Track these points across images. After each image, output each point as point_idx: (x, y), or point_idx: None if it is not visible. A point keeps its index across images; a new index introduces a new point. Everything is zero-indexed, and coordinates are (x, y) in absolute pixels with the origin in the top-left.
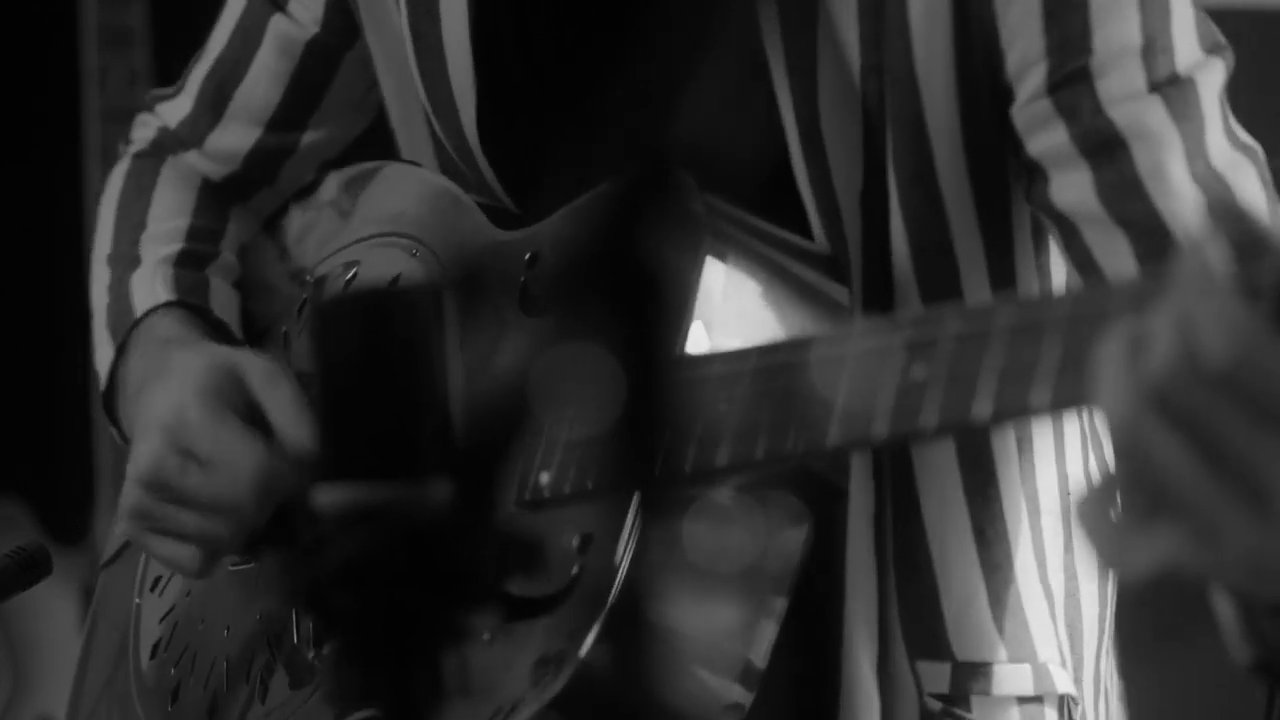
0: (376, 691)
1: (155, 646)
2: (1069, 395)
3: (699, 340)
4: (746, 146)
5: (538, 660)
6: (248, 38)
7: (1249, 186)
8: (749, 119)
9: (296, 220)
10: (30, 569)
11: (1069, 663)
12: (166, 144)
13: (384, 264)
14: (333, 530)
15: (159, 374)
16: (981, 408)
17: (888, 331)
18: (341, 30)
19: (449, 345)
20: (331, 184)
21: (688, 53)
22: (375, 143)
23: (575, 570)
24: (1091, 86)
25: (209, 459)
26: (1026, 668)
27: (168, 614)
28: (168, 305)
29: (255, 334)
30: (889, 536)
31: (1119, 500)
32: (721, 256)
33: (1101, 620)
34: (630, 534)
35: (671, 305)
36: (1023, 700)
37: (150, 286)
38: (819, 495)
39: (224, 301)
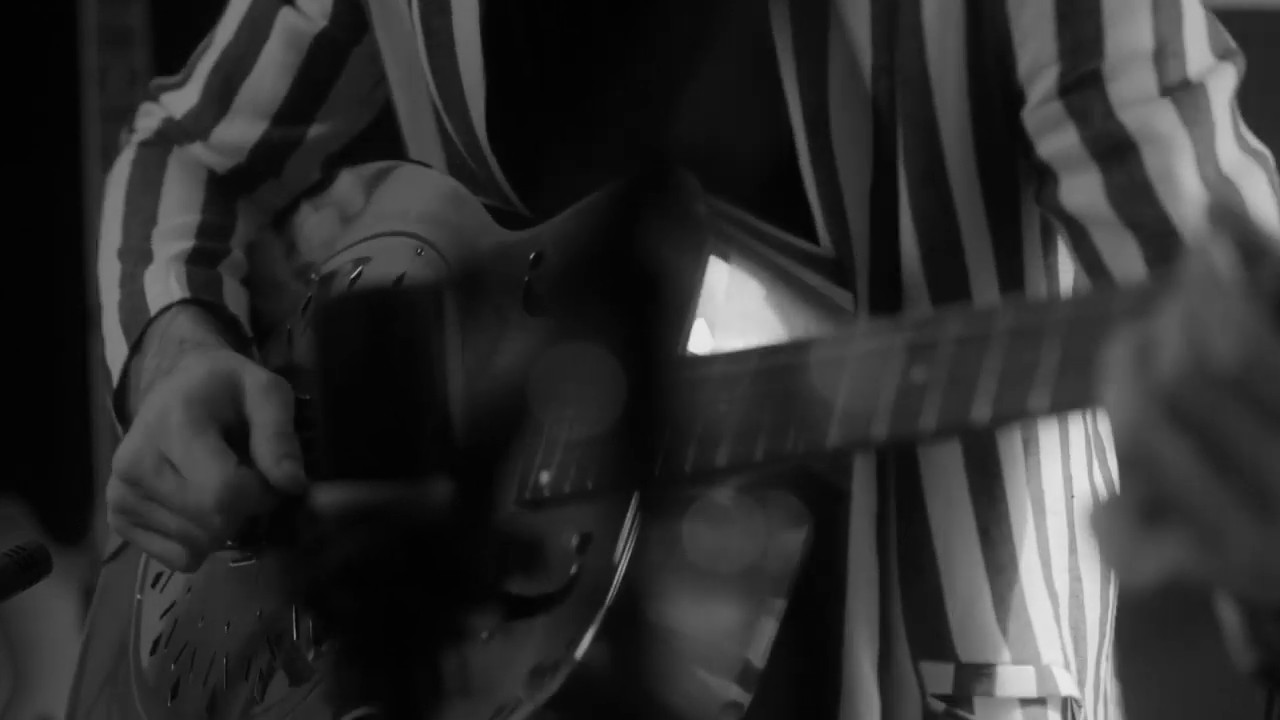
0: (376, 691)
1: (156, 643)
2: (1068, 399)
3: (702, 340)
4: (753, 147)
5: (533, 669)
6: (256, 30)
7: (1259, 192)
8: (756, 119)
9: (308, 217)
10: (30, 568)
11: (1073, 665)
12: (172, 134)
13: (392, 261)
14: (333, 530)
15: (167, 373)
16: (981, 410)
17: (888, 333)
18: (350, 25)
19: (450, 345)
20: (344, 182)
21: (698, 52)
22: (380, 137)
23: (574, 569)
24: (1103, 90)
25: (179, 467)
26: (1030, 669)
27: (168, 610)
28: (183, 303)
29: (260, 331)
30: (892, 536)
31: (1127, 507)
32: (725, 258)
33: (1103, 623)
34: (629, 534)
35: (672, 306)
36: (1026, 702)
37: (165, 284)
38: (819, 496)
39: (235, 298)
